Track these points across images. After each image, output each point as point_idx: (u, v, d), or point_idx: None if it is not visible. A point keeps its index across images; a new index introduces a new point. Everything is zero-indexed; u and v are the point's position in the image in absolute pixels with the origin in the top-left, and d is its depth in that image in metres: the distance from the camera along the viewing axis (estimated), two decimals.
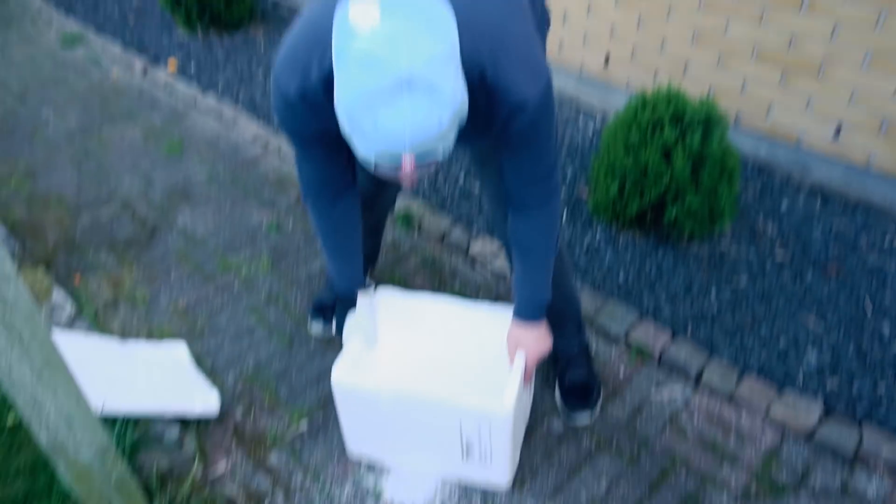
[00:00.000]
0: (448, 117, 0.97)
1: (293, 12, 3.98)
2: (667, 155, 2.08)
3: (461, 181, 2.58)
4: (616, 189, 2.16)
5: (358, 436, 1.60)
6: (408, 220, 2.38)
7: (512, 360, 1.51)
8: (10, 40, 3.90)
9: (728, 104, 2.57)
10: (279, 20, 3.93)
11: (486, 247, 2.23)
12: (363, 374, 1.53)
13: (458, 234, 2.30)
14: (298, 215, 2.47)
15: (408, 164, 0.98)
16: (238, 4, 3.74)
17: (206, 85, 3.30)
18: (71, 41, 3.81)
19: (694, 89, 2.61)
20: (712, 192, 2.10)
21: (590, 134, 2.85)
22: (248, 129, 2.94)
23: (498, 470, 1.53)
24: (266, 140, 2.86)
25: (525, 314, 1.50)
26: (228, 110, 3.05)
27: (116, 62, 3.59)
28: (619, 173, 2.15)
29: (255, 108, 3.10)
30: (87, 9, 4.23)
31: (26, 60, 3.66)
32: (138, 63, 3.49)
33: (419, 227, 2.37)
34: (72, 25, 3.99)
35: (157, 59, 3.56)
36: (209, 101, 3.14)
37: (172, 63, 3.48)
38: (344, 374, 1.46)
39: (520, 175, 1.32)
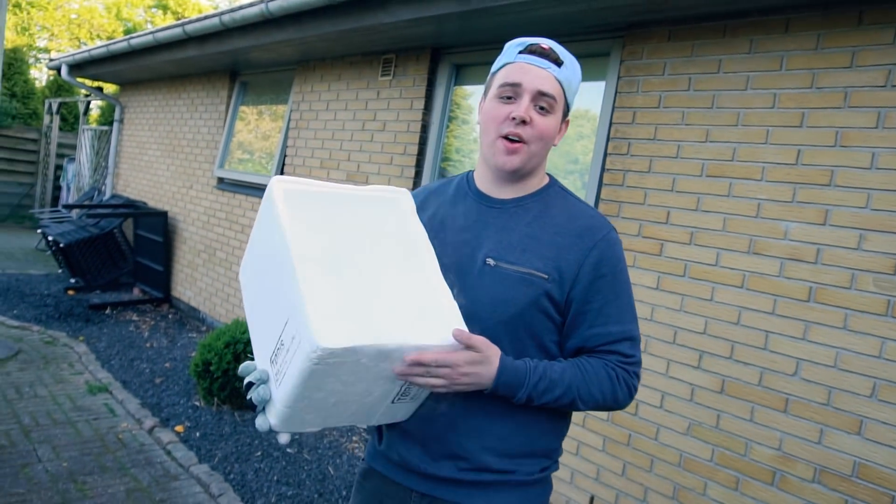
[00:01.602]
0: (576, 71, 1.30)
1: None
2: None
3: None
4: None
5: (251, 259, 1.34)
6: None
7: (428, 336, 1.12)
8: (42, 378, 4.22)
9: None
10: None
11: None
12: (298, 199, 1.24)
13: None
14: None
15: (545, 45, 1.25)
16: None
17: (205, 454, 3.43)
18: (96, 390, 4.11)
19: None
20: None
21: None
22: None
23: (276, 403, 1.14)
24: None
25: (505, 363, 1.19)
26: (216, 484, 3.12)
27: (130, 415, 3.81)
28: None
29: (243, 486, 3.16)
30: (123, 364, 4.66)
31: (48, 398, 3.90)
32: (148, 421, 3.70)
33: None
34: (103, 375, 4.34)
35: (167, 420, 3.78)
36: (202, 469, 3.23)
37: (181, 427, 3.68)
38: (288, 184, 1.23)
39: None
